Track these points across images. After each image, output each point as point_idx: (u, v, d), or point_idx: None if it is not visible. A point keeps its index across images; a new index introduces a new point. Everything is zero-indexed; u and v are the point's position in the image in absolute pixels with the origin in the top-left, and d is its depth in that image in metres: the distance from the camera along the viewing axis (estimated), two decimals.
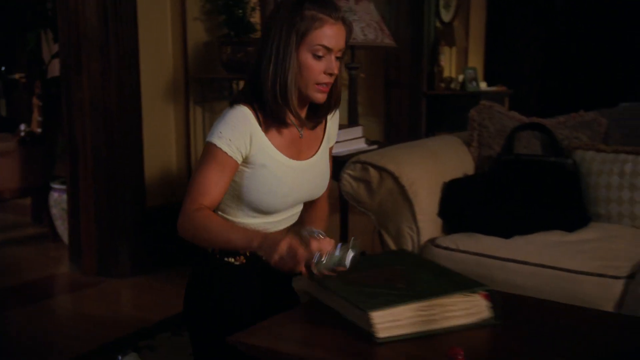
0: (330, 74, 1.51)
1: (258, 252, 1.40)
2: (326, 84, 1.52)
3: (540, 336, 1.28)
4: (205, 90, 3.69)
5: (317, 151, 1.65)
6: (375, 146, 2.96)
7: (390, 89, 5.87)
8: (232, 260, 1.61)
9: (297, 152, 1.59)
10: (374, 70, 5.92)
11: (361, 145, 2.92)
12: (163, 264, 3.48)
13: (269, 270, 1.44)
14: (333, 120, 1.72)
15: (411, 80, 5.78)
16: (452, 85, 6.01)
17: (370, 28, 2.85)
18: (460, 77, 5.98)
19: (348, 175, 2.33)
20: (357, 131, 2.95)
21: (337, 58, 1.52)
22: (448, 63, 6.23)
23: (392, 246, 2.31)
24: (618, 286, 1.88)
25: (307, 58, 1.49)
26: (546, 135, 2.50)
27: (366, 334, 1.24)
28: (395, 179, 2.26)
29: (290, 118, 1.54)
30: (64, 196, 3.60)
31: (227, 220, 1.59)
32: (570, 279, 1.94)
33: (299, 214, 1.71)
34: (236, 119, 1.50)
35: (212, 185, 1.50)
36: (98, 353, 2.45)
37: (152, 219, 3.49)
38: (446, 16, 6.14)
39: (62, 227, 3.78)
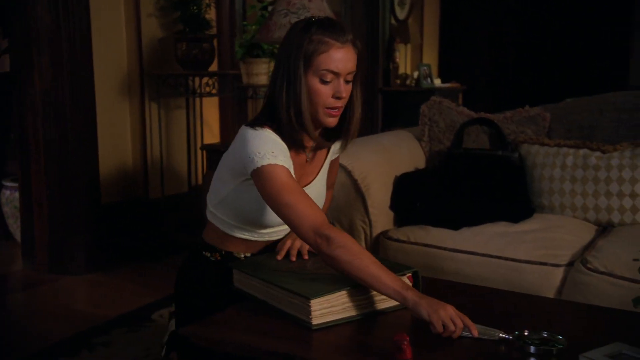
0: (339, 98, 1.49)
1: (408, 303, 1.28)
2: (336, 107, 1.50)
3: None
4: (160, 86, 3.68)
5: (315, 177, 1.65)
6: None
7: None
8: (209, 255, 1.64)
9: (301, 176, 1.60)
10: None
11: None
12: (118, 261, 3.46)
13: None
14: (335, 144, 1.69)
15: (367, 77, 5.83)
16: (408, 82, 6.10)
17: None
18: (415, 74, 6.08)
19: None
20: None
21: (347, 81, 1.51)
22: (403, 60, 6.31)
23: None
24: (558, 274, 1.96)
25: (315, 82, 1.48)
26: (494, 130, 2.58)
27: (300, 321, 1.30)
28: (348, 173, 2.31)
29: (307, 141, 1.55)
30: (16, 194, 3.54)
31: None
32: (515, 267, 2.02)
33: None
34: (267, 137, 1.47)
35: (313, 205, 1.43)
36: (53, 350, 2.43)
37: (108, 216, 3.48)
38: (401, 14, 6.23)
39: (14, 226, 3.72)
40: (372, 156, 2.44)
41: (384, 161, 2.46)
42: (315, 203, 1.44)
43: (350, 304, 1.33)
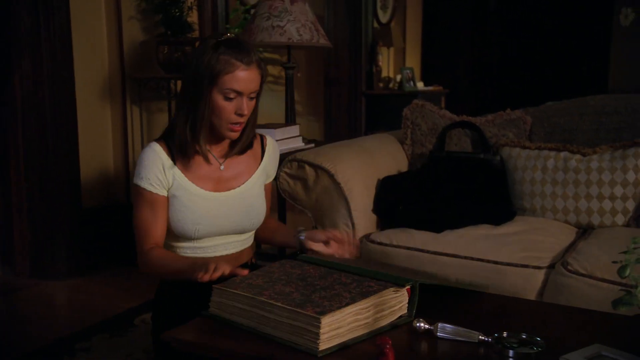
0: (241, 115, 1.60)
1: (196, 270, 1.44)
2: (238, 123, 1.62)
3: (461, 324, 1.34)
4: (142, 89, 3.66)
5: (242, 185, 1.72)
6: (312, 145, 3.00)
7: (330, 88, 5.93)
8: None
9: (217, 184, 1.68)
10: (314, 70, 5.97)
11: (298, 143, 2.97)
12: (100, 265, 3.44)
13: (201, 284, 1.47)
14: (270, 155, 1.80)
15: (350, 80, 5.85)
16: (390, 85, 6.12)
17: (305, 28, 2.90)
18: (398, 77, 6.10)
19: (285, 174, 2.37)
20: (294, 130, 2.98)
21: (251, 98, 1.62)
22: (386, 63, 6.34)
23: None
24: (540, 276, 1.97)
25: (219, 99, 1.58)
26: (476, 133, 2.60)
27: (301, 348, 1.18)
28: (331, 177, 2.31)
29: (214, 151, 1.67)
30: None
31: (176, 253, 1.69)
32: (497, 270, 2.03)
33: (240, 242, 1.75)
34: (147, 157, 1.63)
35: (150, 225, 1.63)
36: (33, 356, 2.40)
37: (89, 220, 3.45)
38: (383, 17, 6.25)
39: None
40: (355, 159, 2.44)
41: (366, 164, 2.46)
42: (158, 228, 1.62)
43: (355, 324, 1.24)
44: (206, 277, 1.38)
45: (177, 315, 1.53)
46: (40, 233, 3.28)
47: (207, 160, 1.66)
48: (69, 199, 3.31)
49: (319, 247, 1.66)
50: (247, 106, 1.60)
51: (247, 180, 1.73)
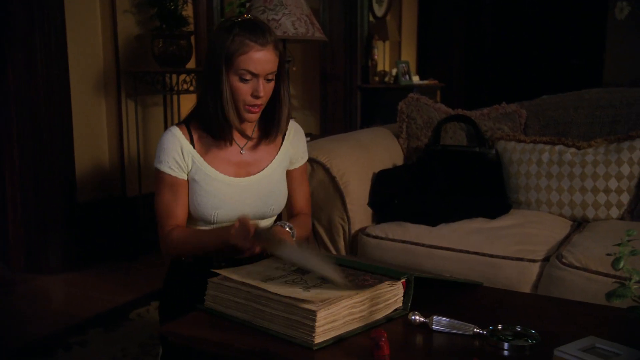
0: (257, 97, 1.58)
1: (229, 243, 1.48)
2: (255, 105, 1.60)
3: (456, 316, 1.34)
4: (137, 83, 3.65)
5: (263, 169, 1.69)
6: (307, 138, 3.00)
7: (326, 82, 5.93)
8: (183, 257, 1.69)
9: (237, 168, 1.67)
10: (311, 64, 5.97)
11: None
12: (95, 260, 3.43)
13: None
14: (291, 140, 1.76)
15: (346, 74, 5.85)
16: (386, 79, 6.12)
17: (300, 22, 2.89)
18: (394, 71, 6.10)
19: None
20: None
21: (268, 80, 1.59)
22: (381, 57, 6.33)
23: (325, 236, 2.36)
24: (535, 269, 1.98)
25: (235, 81, 1.57)
26: (471, 127, 2.60)
27: (296, 341, 1.18)
28: (327, 170, 2.31)
29: (235, 135, 1.65)
30: None
31: (197, 228, 1.69)
32: (492, 263, 2.04)
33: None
34: (167, 141, 1.63)
35: (171, 207, 1.63)
36: (28, 350, 2.40)
37: (84, 214, 3.44)
38: (379, 11, 6.24)
39: None
40: (351, 153, 2.44)
41: (362, 158, 2.46)
42: (180, 210, 1.63)
43: (350, 317, 1.24)
44: (248, 254, 1.43)
45: (184, 305, 1.54)
46: (35, 227, 3.27)
47: (232, 141, 1.65)
48: (64, 194, 3.30)
49: None
50: (263, 88, 1.57)
51: (267, 165, 1.70)
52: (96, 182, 3.61)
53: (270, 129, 1.68)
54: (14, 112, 3.19)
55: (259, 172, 1.69)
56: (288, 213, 1.83)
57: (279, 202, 1.73)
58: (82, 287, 3.11)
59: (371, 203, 2.42)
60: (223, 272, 1.37)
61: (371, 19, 6.14)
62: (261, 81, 1.57)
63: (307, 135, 3.17)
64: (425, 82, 6.23)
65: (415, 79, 6.19)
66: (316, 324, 1.17)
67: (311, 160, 2.33)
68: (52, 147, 3.23)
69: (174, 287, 1.71)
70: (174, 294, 1.70)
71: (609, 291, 1.08)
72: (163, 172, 1.63)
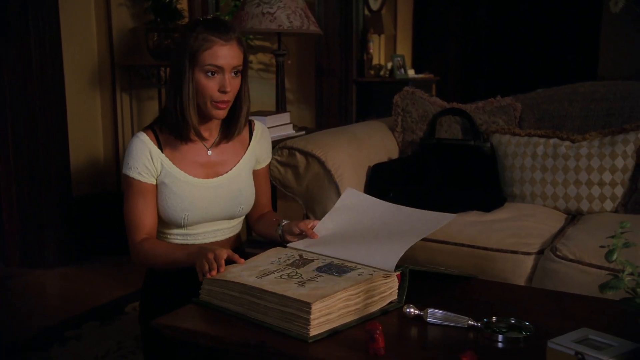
0: (224, 92, 1.58)
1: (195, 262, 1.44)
2: (222, 101, 1.60)
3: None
4: (132, 77, 3.64)
5: (230, 170, 1.70)
6: (302, 132, 3.00)
7: (322, 76, 5.92)
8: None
9: (206, 170, 1.68)
10: (306, 58, 5.95)
11: (289, 131, 2.96)
12: (90, 254, 3.43)
13: (191, 271, 1.47)
14: (258, 140, 1.78)
15: (341, 68, 5.83)
16: (381, 73, 6.11)
17: (295, 15, 2.88)
18: (389, 65, 6.09)
19: (275, 161, 2.37)
20: (285, 117, 2.98)
21: (235, 75, 1.60)
22: (377, 51, 6.33)
23: None
24: (529, 262, 1.99)
25: (201, 77, 1.58)
26: (466, 120, 2.60)
27: (292, 334, 1.18)
28: (322, 164, 2.31)
29: (194, 135, 1.64)
30: None
31: (169, 243, 1.69)
32: (486, 256, 2.04)
33: (229, 229, 1.76)
34: (135, 147, 1.63)
35: (141, 215, 1.62)
36: (24, 344, 2.40)
37: (79, 209, 3.43)
38: (374, 4, 6.23)
39: None
40: (346, 146, 2.44)
41: (357, 151, 2.46)
42: (149, 218, 1.61)
43: (345, 310, 1.24)
44: (213, 273, 1.36)
45: (165, 302, 1.54)
46: (30, 222, 3.26)
47: (201, 139, 1.66)
48: (59, 188, 3.30)
49: (294, 239, 1.61)
50: (230, 82, 1.58)
51: (234, 165, 1.72)
52: (91, 176, 3.60)
53: (231, 127, 1.69)
54: (9, 106, 3.18)
55: (227, 172, 1.70)
56: (253, 211, 1.82)
57: (248, 201, 1.75)
58: (78, 282, 3.11)
59: None
60: (214, 275, 1.37)
61: (366, 12, 6.13)
62: (227, 76, 1.58)
63: (302, 129, 3.17)
64: (421, 75, 6.22)
65: (411, 72, 6.19)
66: (311, 316, 1.17)
67: (306, 154, 2.33)
68: (46, 142, 3.22)
69: (154, 283, 1.72)
70: (155, 290, 1.71)
71: (602, 283, 1.08)
72: (132, 179, 1.62)
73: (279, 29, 2.88)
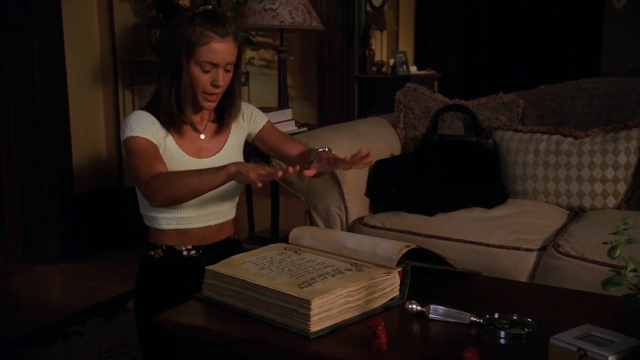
0: (216, 86, 1.62)
1: (230, 174, 1.46)
2: (213, 94, 1.64)
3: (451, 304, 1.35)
4: (134, 73, 3.64)
5: (219, 152, 1.73)
6: (305, 128, 3.00)
7: (324, 72, 5.92)
8: (152, 253, 1.71)
9: (197, 150, 1.70)
10: (307, 54, 5.95)
11: (291, 127, 2.96)
12: (92, 250, 3.43)
13: (185, 262, 1.47)
14: (239, 121, 1.80)
15: (343, 64, 5.84)
16: (384, 69, 6.11)
17: (298, 11, 2.88)
18: (391, 61, 6.09)
19: None
20: (287, 113, 2.98)
21: (227, 70, 1.64)
22: (379, 47, 6.32)
23: (322, 226, 2.36)
24: (531, 258, 1.99)
25: (195, 70, 1.61)
26: (468, 117, 2.60)
27: (294, 330, 1.19)
28: None
29: (186, 121, 1.67)
30: None
31: (158, 221, 1.68)
32: (489, 252, 2.04)
33: (223, 213, 1.76)
34: (139, 115, 1.63)
35: (151, 160, 1.55)
36: (27, 340, 2.41)
37: (81, 204, 3.44)
38: (377, 1, 6.22)
39: None
40: (348, 143, 2.44)
41: (359, 148, 2.45)
42: (159, 163, 1.56)
43: (346, 306, 1.24)
44: (259, 185, 1.39)
45: (159, 291, 1.59)
46: (32, 218, 3.27)
47: (194, 128, 1.69)
48: (61, 184, 3.30)
49: (328, 154, 1.68)
50: (222, 77, 1.62)
51: (224, 144, 1.75)
52: (93, 172, 3.60)
53: (226, 117, 1.73)
54: (11, 102, 3.19)
55: (218, 152, 1.73)
56: (289, 160, 1.82)
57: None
58: (80, 277, 3.11)
59: (368, 193, 2.42)
60: (216, 268, 1.37)
61: (369, 8, 6.12)
62: (220, 71, 1.62)
63: (304, 125, 3.17)
64: (423, 72, 6.22)
65: (413, 69, 6.18)
66: (311, 312, 1.17)
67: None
68: (49, 137, 3.23)
69: (146, 283, 1.72)
70: (147, 290, 1.71)
71: (605, 279, 1.08)
72: (137, 137, 1.58)
73: (281, 25, 2.88)
